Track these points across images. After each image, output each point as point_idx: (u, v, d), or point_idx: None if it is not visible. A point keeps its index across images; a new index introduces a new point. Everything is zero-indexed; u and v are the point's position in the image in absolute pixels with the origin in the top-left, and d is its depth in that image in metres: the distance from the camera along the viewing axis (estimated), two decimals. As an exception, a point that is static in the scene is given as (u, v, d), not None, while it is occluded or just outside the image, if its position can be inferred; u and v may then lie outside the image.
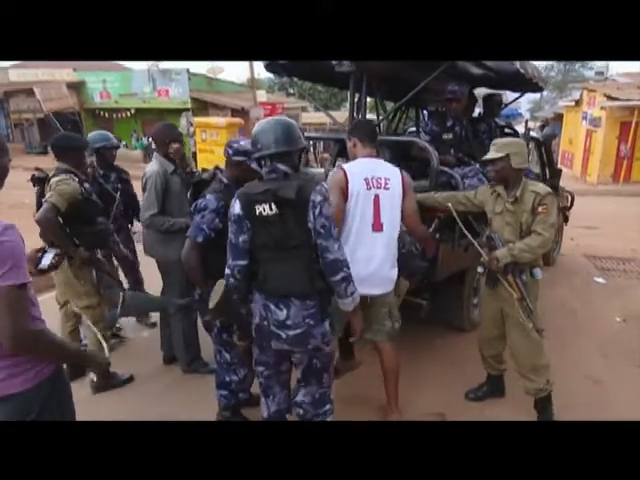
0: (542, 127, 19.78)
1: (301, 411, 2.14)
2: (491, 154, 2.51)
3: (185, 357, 3.17)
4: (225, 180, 2.38)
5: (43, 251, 1.76)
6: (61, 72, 18.29)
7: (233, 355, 2.51)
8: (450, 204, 2.73)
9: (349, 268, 1.92)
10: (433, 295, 3.20)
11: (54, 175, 2.71)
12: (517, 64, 3.29)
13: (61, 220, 2.61)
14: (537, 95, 38.71)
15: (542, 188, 2.49)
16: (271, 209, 1.85)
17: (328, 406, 2.16)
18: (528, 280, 2.50)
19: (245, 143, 2.33)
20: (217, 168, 2.53)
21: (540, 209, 2.42)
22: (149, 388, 3.07)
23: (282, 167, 1.88)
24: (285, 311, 1.92)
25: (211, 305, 2.03)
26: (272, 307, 1.94)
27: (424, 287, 3.12)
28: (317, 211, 1.83)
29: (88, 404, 2.81)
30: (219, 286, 2.01)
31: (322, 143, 10.62)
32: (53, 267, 1.77)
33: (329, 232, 1.85)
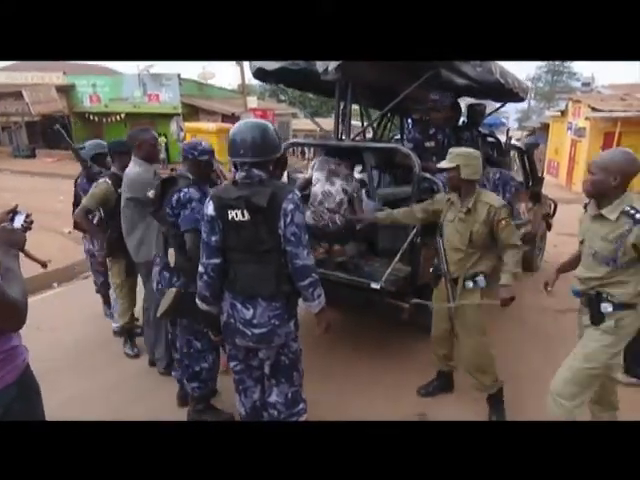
0: (529, 136, 20.11)
1: (275, 412, 2.17)
2: (444, 163, 2.59)
3: (164, 359, 3.19)
4: (191, 176, 2.49)
5: (14, 213, 1.71)
6: (51, 75, 18.18)
7: (204, 342, 2.56)
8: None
9: (317, 273, 1.99)
10: (416, 299, 3.26)
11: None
12: (497, 74, 3.38)
13: (102, 214, 3.31)
14: (525, 105, 39.43)
15: (496, 200, 2.56)
16: (243, 215, 1.89)
17: (301, 405, 2.21)
18: (460, 287, 2.59)
19: (205, 144, 2.54)
20: (173, 170, 2.69)
21: (504, 223, 2.49)
22: (133, 388, 3.09)
23: (257, 173, 1.92)
24: (252, 310, 1.97)
25: (159, 313, 2.08)
26: (238, 306, 1.99)
27: (407, 291, 3.18)
28: (288, 219, 1.88)
29: (69, 406, 2.82)
30: (169, 294, 2.06)
31: (312, 149, 10.69)
32: (25, 229, 1.71)
33: (299, 239, 1.90)
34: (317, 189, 3.15)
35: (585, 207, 2.20)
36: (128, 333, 3.57)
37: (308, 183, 3.26)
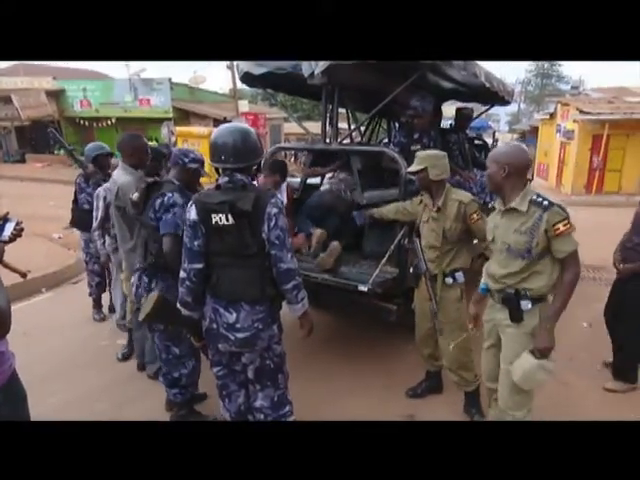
0: (518, 139, 20.30)
1: (262, 416, 2.17)
2: (412, 166, 2.67)
3: (156, 363, 3.18)
4: (176, 182, 2.51)
5: (4, 221, 1.69)
6: (40, 80, 18.07)
7: (182, 348, 2.56)
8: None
9: (300, 276, 2.00)
10: (404, 301, 3.27)
11: None
12: (482, 77, 3.42)
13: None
14: (515, 108, 39.80)
15: (465, 196, 2.65)
16: (227, 220, 1.89)
17: (288, 407, 2.21)
18: (440, 284, 2.66)
19: (197, 153, 2.57)
20: (157, 175, 2.72)
21: (475, 216, 2.57)
22: (122, 393, 3.07)
23: (240, 177, 1.93)
24: (235, 314, 1.97)
25: (141, 317, 2.08)
26: (221, 310, 1.99)
27: (395, 293, 3.20)
28: (272, 223, 1.89)
29: (57, 411, 2.80)
30: (151, 298, 2.06)
31: (304, 153, 10.70)
32: (14, 237, 1.70)
33: (283, 243, 1.92)
34: (338, 174, 3.77)
35: (493, 208, 2.25)
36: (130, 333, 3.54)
37: (339, 166, 3.83)
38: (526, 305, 2.06)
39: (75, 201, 4.08)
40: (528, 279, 2.05)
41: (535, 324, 2.07)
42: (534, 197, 1.99)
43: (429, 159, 2.63)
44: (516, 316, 2.09)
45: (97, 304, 4.29)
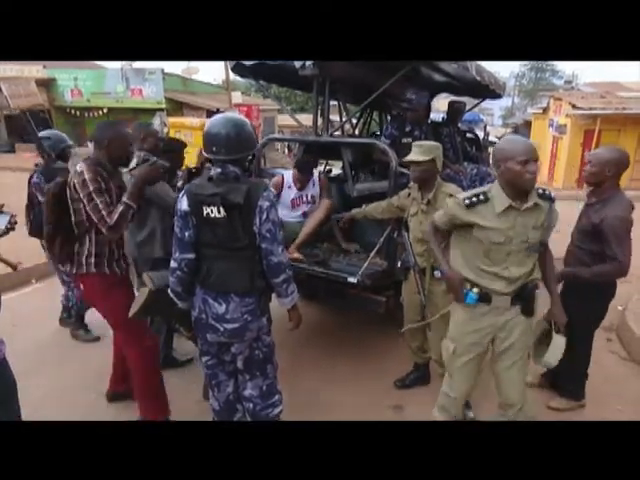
0: (511, 133, 20.33)
1: (251, 405, 2.19)
2: (417, 156, 2.55)
3: (162, 352, 3.20)
4: None
5: None
6: (30, 68, 17.80)
7: None
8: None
9: (290, 270, 2.01)
10: (393, 293, 3.30)
11: None
12: (473, 71, 3.43)
13: None
14: (509, 102, 39.82)
15: (456, 190, 2.61)
16: (219, 212, 1.89)
17: (277, 397, 2.22)
18: (428, 277, 2.67)
19: None
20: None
21: None
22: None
23: (232, 169, 1.92)
24: (224, 305, 1.98)
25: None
26: (210, 301, 2.00)
27: (385, 285, 3.22)
28: (264, 216, 1.89)
29: (46, 402, 2.80)
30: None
31: (298, 144, 10.64)
32: (7, 230, 1.70)
33: (274, 236, 1.92)
34: None
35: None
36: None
37: None
38: (538, 296, 2.08)
39: (31, 206, 3.33)
40: (535, 270, 2.08)
41: (536, 309, 2.10)
42: (540, 190, 1.98)
43: (436, 150, 2.58)
44: (531, 309, 2.08)
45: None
